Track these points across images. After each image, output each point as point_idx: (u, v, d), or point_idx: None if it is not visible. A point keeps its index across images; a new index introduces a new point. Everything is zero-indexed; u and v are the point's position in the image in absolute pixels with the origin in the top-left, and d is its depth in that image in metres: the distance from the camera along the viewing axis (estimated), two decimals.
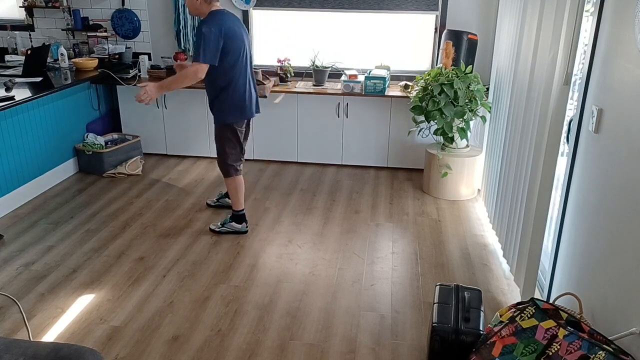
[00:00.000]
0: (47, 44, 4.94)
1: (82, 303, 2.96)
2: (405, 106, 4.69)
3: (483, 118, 4.21)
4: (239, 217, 3.74)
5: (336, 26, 4.99)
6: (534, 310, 2.12)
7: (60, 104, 4.55)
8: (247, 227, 3.79)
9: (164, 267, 3.33)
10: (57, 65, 4.77)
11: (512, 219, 3.17)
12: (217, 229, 3.76)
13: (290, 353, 2.60)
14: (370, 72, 4.68)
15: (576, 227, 2.46)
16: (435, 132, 4.18)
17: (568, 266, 2.53)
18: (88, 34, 5.14)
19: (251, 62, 3.59)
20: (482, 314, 2.46)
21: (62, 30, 5.20)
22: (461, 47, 4.31)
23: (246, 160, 5.12)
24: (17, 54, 5.12)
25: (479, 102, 4.08)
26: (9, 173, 4.02)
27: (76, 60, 4.79)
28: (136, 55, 5.12)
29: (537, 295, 2.89)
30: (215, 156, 3.72)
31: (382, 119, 4.80)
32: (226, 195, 4.11)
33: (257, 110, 3.69)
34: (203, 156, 5.19)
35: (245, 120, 3.64)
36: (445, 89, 3.99)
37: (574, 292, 2.32)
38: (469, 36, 4.32)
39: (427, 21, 4.86)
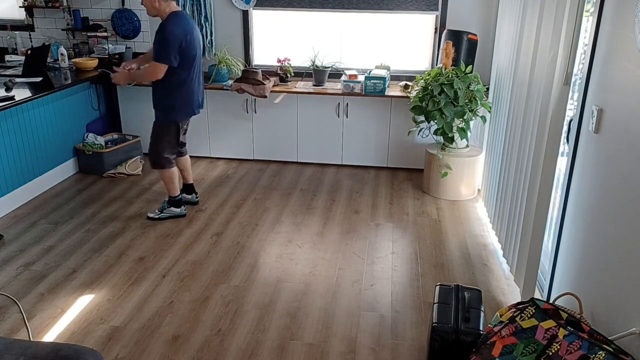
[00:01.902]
0: (47, 44, 4.93)
1: (82, 303, 2.96)
2: (405, 106, 4.69)
3: (483, 118, 4.21)
4: (177, 202, 3.91)
5: (336, 26, 4.99)
6: (534, 310, 2.12)
7: (60, 104, 4.55)
8: (185, 210, 3.96)
9: (164, 267, 3.33)
10: (57, 65, 4.77)
11: (512, 219, 3.16)
12: (157, 216, 3.91)
13: (290, 353, 2.60)
14: (370, 72, 4.68)
15: (576, 227, 2.45)
16: (435, 132, 4.18)
17: (568, 266, 2.53)
18: (88, 34, 5.14)
19: (200, 62, 3.74)
20: (482, 314, 2.46)
21: (62, 30, 5.20)
22: (461, 47, 4.30)
23: (246, 160, 5.13)
24: (17, 54, 5.11)
25: (479, 102, 4.08)
26: (9, 173, 4.02)
27: (76, 60, 4.78)
28: (136, 55, 5.11)
29: (537, 295, 2.89)
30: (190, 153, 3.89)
31: (382, 119, 4.80)
32: (184, 190, 4.14)
33: (201, 107, 3.85)
34: (203, 156, 5.19)
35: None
36: (445, 89, 3.99)
37: (574, 292, 2.32)
38: (469, 36, 4.32)
39: (427, 21, 4.86)
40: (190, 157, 5.16)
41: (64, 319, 2.82)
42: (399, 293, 3.10)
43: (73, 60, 4.79)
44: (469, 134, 4.20)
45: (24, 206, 4.14)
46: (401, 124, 4.79)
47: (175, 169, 3.87)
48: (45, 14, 5.21)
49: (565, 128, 2.67)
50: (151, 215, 3.90)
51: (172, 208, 3.91)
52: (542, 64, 2.75)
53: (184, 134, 3.91)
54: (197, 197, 4.20)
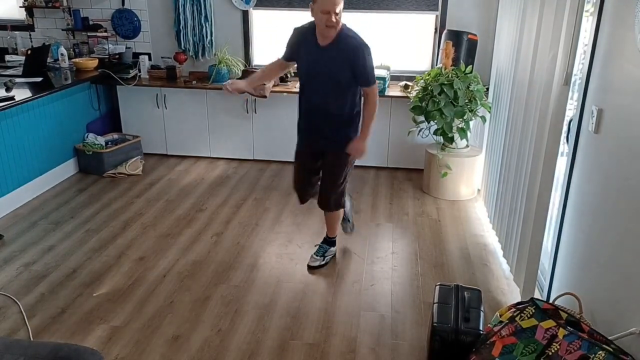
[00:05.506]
0: (47, 44, 4.94)
1: (82, 303, 2.96)
2: (405, 106, 4.69)
3: (483, 118, 4.21)
4: (334, 241, 3.52)
5: None
6: (533, 310, 2.12)
7: (61, 104, 4.55)
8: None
9: (164, 267, 3.33)
10: (57, 66, 4.77)
11: (512, 218, 3.17)
12: (323, 262, 3.39)
13: (290, 353, 2.60)
14: None
15: (576, 227, 2.46)
16: (435, 132, 4.18)
17: (568, 266, 2.53)
18: (88, 34, 5.14)
19: None
20: (482, 313, 2.46)
21: (62, 30, 5.20)
22: (461, 47, 4.31)
23: (246, 160, 5.13)
24: (17, 54, 5.11)
25: (478, 102, 4.08)
26: (9, 173, 4.02)
27: (76, 60, 4.79)
28: (136, 55, 5.12)
29: (537, 295, 2.89)
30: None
31: (382, 119, 4.79)
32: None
33: None
34: (203, 156, 5.19)
35: None
36: (445, 89, 3.99)
37: (573, 292, 2.32)
38: (469, 36, 4.32)
39: (427, 21, 4.86)
40: (190, 157, 5.19)
41: (64, 319, 2.82)
42: (398, 293, 3.10)
43: (73, 60, 4.79)
44: (468, 134, 4.21)
45: (24, 206, 4.14)
46: (401, 124, 4.79)
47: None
48: (45, 14, 5.21)
49: (565, 128, 2.67)
50: (315, 264, 3.36)
51: (332, 248, 3.47)
52: (542, 64, 2.75)
53: None
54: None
